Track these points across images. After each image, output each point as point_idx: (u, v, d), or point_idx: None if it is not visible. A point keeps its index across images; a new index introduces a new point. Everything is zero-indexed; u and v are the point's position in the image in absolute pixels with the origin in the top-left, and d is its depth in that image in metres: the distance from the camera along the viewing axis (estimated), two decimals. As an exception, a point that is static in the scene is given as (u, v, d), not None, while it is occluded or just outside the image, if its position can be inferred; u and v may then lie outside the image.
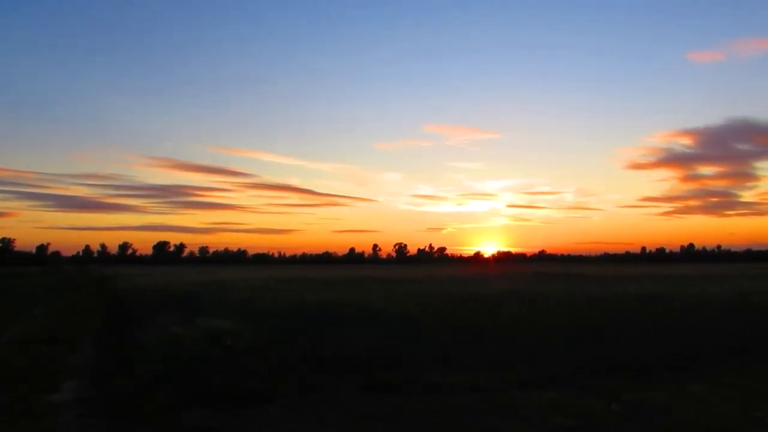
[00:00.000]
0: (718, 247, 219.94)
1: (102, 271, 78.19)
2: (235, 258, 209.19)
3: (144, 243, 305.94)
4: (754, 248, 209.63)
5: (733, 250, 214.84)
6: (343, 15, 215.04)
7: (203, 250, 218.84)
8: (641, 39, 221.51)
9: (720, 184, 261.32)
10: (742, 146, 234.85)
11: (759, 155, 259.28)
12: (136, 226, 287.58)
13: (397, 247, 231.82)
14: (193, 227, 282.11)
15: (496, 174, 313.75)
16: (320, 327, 16.25)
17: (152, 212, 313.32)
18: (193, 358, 11.37)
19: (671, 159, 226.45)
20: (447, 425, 7.13)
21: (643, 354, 12.74)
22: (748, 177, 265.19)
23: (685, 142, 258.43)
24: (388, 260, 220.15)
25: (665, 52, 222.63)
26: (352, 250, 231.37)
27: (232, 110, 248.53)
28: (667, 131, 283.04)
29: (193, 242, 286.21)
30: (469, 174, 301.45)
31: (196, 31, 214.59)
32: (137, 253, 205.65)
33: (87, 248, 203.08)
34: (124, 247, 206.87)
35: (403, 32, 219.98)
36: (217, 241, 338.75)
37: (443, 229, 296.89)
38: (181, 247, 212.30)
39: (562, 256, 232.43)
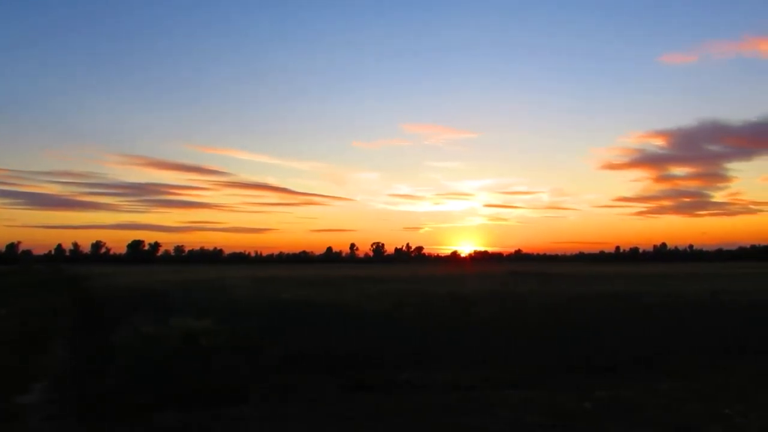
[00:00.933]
0: (690, 246, 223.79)
1: (74, 271, 76.85)
2: (211, 257, 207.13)
3: (118, 242, 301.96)
4: (725, 248, 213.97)
5: (704, 249, 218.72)
6: (320, 14, 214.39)
7: (179, 249, 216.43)
8: (615, 41, 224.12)
9: (692, 185, 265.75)
10: (714, 147, 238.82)
11: (730, 156, 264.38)
12: (110, 225, 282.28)
13: (374, 247, 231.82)
14: (168, 226, 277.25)
15: (473, 174, 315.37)
16: (297, 326, 16.20)
17: (126, 211, 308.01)
18: (168, 358, 11.26)
19: (644, 160, 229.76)
20: (422, 424, 7.16)
21: (615, 352, 12.93)
22: (719, 178, 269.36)
23: (658, 143, 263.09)
24: (366, 259, 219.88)
25: (639, 54, 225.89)
26: (329, 249, 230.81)
27: (209, 108, 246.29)
28: (640, 132, 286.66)
29: (168, 241, 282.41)
30: (447, 173, 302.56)
31: (173, 29, 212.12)
32: (111, 253, 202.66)
33: (59, 247, 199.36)
34: (97, 246, 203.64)
35: (382, 32, 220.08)
36: (192, 240, 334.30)
37: (420, 228, 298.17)
38: (156, 246, 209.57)
39: (538, 255, 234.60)
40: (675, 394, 8.57)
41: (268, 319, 17.62)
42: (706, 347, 13.57)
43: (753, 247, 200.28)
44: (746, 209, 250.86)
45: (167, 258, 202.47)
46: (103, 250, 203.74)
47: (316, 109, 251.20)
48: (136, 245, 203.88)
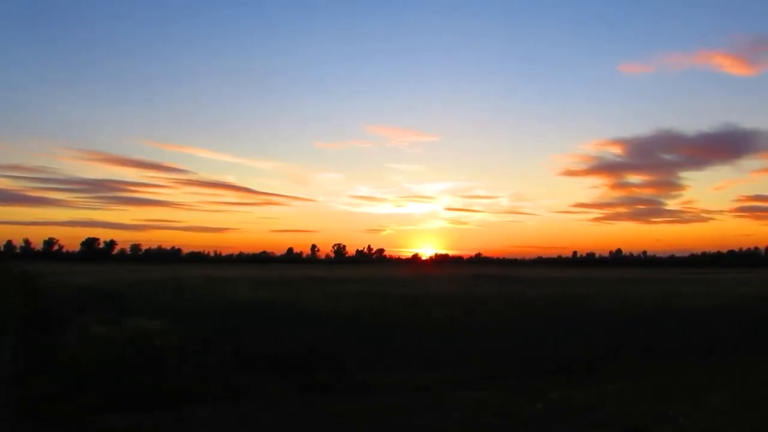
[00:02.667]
0: (644, 252, 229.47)
1: (24, 268, 74.49)
2: (169, 256, 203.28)
3: (71, 239, 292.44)
4: (677, 254, 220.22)
5: (657, 255, 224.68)
6: (285, 14, 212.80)
7: (135, 247, 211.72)
8: (576, 50, 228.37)
9: (647, 192, 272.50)
10: (668, 156, 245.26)
11: (683, 165, 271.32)
12: (64, 222, 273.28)
13: (335, 248, 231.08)
14: (124, 224, 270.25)
15: (435, 177, 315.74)
16: (254, 327, 16.03)
17: (81, 207, 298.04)
18: (118, 359, 10.99)
19: (602, 167, 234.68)
20: (375, 424, 7.14)
21: (569, 354, 13.17)
22: (673, 186, 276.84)
23: (615, 151, 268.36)
24: (327, 260, 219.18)
25: (598, 63, 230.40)
26: (290, 250, 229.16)
27: (170, 105, 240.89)
28: (598, 140, 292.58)
29: (124, 239, 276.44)
30: (409, 176, 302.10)
31: (136, 24, 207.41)
32: (64, 250, 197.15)
33: (9, 243, 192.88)
34: (49, 243, 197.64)
35: (347, 33, 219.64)
36: (149, 239, 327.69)
37: (382, 230, 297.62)
38: (111, 244, 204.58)
39: (497, 259, 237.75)
40: (625, 395, 8.74)
41: (224, 319, 17.39)
42: (655, 349, 13.94)
43: (703, 254, 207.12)
44: (698, 217, 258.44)
45: (123, 257, 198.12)
46: (56, 247, 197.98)
47: (279, 108, 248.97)
48: (90, 243, 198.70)
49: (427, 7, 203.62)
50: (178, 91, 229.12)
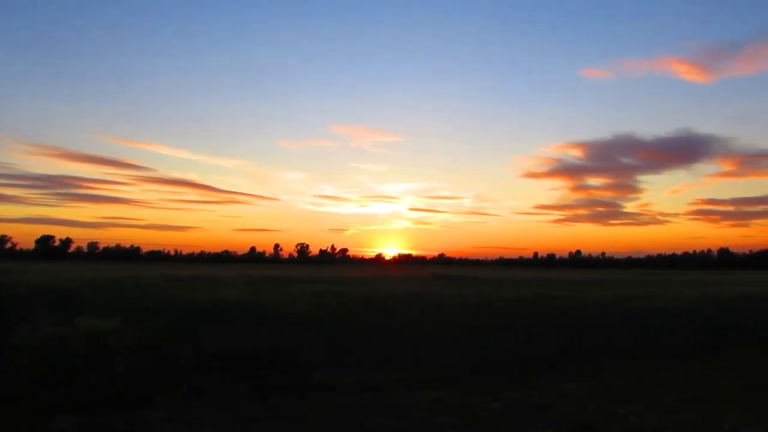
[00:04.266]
0: (603, 254, 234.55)
1: (-26, 266, 72.07)
2: (128, 255, 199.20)
3: (25, 237, 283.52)
4: (634, 256, 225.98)
5: (615, 257, 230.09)
6: (249, 11, 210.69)
7: (92, 245, 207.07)
8: (538, 54, 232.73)
9: (606, 195, 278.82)
10: (627, 160, 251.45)
11: (641, 169, 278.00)
12: (17, 219, 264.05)
13: (298, 247, 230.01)
14: (81, 221, 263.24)
15: (399, 177, 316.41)
16: (211, 327, 15.83)
17: (35, 204, 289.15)
18: (70, 360, 10.75)
19: (563, 169, 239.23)
20: (332, 425, 7.11)
21: (527, 353, 13.37)
22: (631, 189, 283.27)
23: (575, 154, 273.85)
24: (290, 260, 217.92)
25: (560, 67, 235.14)
26: (252, 249, 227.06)
27: (128, 100, 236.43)
28: (560, 143, 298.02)
29: (81, 237, 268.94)
30: (372, 176, 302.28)
31: (94, 18, 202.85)
32: (17, 248, 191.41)
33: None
34: (2, 240, 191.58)
35: (312, 32, 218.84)
36: (108, 237, 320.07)
37: (346, 230, 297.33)
38: (67, 242, 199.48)
39: (460, 259, 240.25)
40: (580, 394, 8.91)
41: (181, 319, 17.13)
42: (611, 349, 14.24)
43: (659, 255, 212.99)
44: (654, 220, 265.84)
45: (80, 255, 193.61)
46: (9, 244, 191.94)
47: (241, 106, 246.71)
48: (45, 240, 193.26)
49: (393, 8, 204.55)
50: (138, 87, 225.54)
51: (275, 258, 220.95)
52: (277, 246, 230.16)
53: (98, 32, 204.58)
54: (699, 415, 7.14)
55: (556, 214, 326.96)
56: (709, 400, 8.23)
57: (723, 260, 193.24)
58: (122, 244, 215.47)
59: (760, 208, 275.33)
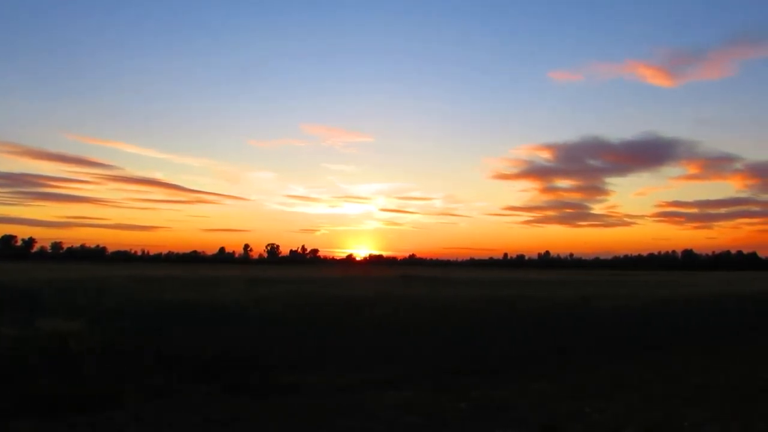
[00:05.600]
0: (571, 255, 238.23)
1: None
2: (93, 255, 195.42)
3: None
4: (602, 256, 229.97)
5: (583, 258, 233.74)
6: (219, 9, 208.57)
7: (56, 245, 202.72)
8: (509, 56, 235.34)
9: (574, 197, 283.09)
10: (594, 162, 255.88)
11: (608, 171, 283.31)
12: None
13: (269, 248, 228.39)
14: (44, 221, 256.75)
15: (370, 177, 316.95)
16: (177, 328, 15.62)
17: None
18: (30, 362, 10.51)
19: (532, 171, 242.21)
20: (298, 427, 7.08)
21: (495, 353, 13.48)
22: (598, 191, 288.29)
23: (545, 156, 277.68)
24: (260, 261, 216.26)
25: (530, 70, 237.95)
26: (222, 249, 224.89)
27: (92, 97, 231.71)
28: (529, 145, 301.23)
29: (44, 237, 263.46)
30: (343, 176, 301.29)
31: (55, 13, 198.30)
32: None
33: None
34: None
35: (283, 31, 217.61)
36: (72, 237, 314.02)
37: (316, 230, 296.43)
38: (30, 241, 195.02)
39: (431, 260, 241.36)
40: (546, 393, 9.02)
41: (146, 320, 16.88)
42: (578, 349, 14.45)
43: (626, 256, 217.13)
44: (621, 221, 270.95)
45: (43, 255, 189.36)
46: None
47: (211, 105, 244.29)
48: (7, 240, 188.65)
49: (366, 8, 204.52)
50: (104, 84, 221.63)
51: (245, 258, 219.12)
52: (246, 246, 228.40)
53: (62, 29, 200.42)
54: (660, 413, 7.30)
55: (526, 216, 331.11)
56: (669, 398, 8.41)
57: (687, 261, 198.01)
58: (87, 244, 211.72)
59: (723, 210, 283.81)
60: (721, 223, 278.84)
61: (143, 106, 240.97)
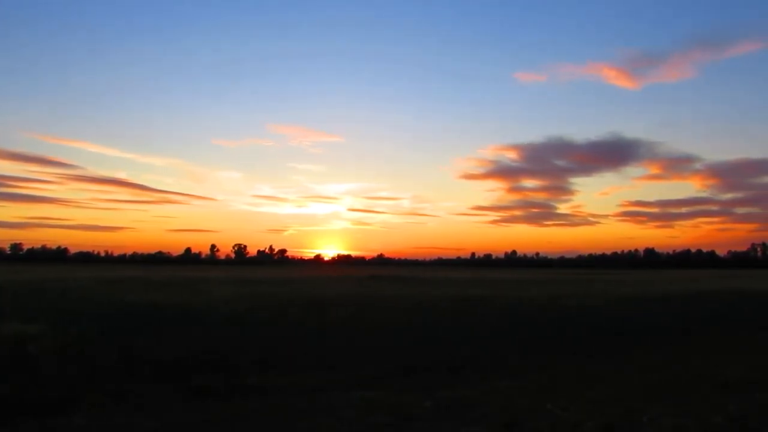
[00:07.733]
0: (537, 254, 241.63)
1: None
2: (55, 256, 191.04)
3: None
4: (567, 255, 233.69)
5: (549, 257, 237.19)
6: (185, 7, 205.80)
7: (16, 247, 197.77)
8: (475, 57, 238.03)
9: (540, 197, 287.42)
10: (560, 162, 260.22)
11: (573, 172, 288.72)
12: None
13: (236, 248, 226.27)
14: (3, 221, 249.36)
15: (338, 177, 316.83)
16: (139, 330, 15.35)
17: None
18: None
19: (499, 171, 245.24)
20: (260, 428, 7.02)
21: (461, 353, 13.57)
22: (563, 191, 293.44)
23: (511, 156, 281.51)
24: (227, 261, 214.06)
25: (496, 71, 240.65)
26: (188, 250, 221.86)
27: (52, 95, 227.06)
28: (496, 145, 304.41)
29: (4, 238, 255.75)
30: (311, 176, 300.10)
31: (17, 11, 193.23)
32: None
33: None
34: None
35: (250, 30, 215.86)
36: (33, 238, 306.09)
37: (284, 230, 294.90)
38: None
39: (399, 259, 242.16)
40: (510, 391, 9.12)
41: (109, 322, 16.55)
42: (543, 347, 14.63)
43: (590, 255, 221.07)
44: (586, 221, 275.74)
45: (2, 256, 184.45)
46: None
47: (175, 103, 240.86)
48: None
49: (333, 8, 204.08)
50: (65, 83, 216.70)
51: (212, 259, 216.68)
52: (213, 247, 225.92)
53: (22, 27, 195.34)
54: (621, 408, 7.44)
55: (493, 215, 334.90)
56: (631, 393, 8.59)
57: (649, 260, 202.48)
58: (48, 245, 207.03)
59: (683, 209, 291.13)
60: (682, 222, 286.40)
61: (106, 104, 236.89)
